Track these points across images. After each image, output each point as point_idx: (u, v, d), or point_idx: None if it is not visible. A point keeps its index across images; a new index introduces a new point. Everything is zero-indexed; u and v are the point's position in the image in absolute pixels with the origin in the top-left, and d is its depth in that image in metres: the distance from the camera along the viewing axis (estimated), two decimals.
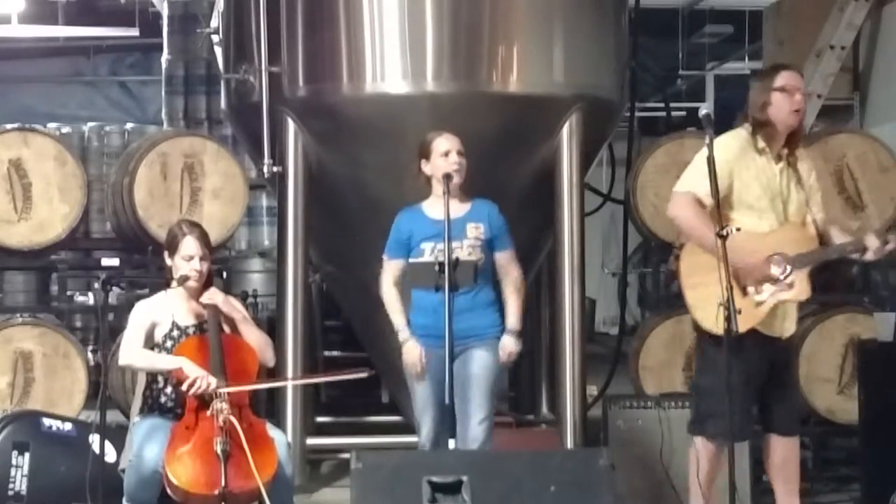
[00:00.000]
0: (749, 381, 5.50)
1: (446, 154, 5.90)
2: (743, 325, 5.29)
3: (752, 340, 5.42)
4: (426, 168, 5.95)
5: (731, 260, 5.25)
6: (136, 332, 5.54)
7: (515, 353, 5.97)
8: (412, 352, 5.87)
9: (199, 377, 5.34)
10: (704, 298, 5.45)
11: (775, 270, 5.51)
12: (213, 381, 5.34)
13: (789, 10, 11.22)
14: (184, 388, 5.36)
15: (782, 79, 5.61)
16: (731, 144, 5.61)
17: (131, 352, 5.50)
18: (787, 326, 5.66)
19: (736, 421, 5.38)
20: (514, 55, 7.29)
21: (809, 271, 5.57)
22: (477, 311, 5.86)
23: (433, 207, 5.91)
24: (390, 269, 5.99)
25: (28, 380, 7.55)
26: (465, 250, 5.83)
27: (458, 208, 5.86)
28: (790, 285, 5.49)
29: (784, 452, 5.75)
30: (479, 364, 5.86)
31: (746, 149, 5.61)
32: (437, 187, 5.88)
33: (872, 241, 5.55)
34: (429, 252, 5.84)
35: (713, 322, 5.35)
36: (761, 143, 5.61)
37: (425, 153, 5.96)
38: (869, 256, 5.60)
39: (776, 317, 5.59)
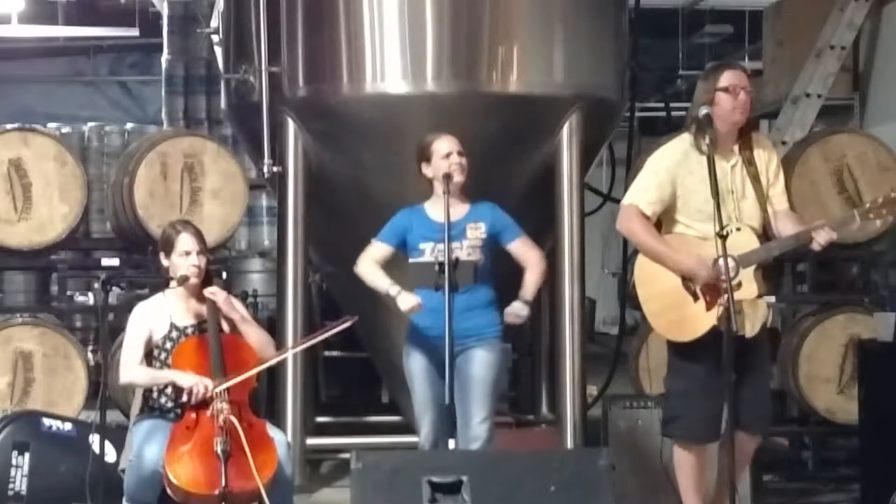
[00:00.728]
0: (711, 383, 5.45)
1: (447, 156, 5.91)
2: (696, 331, 5.44)
3: (711, 342, 5.40)
4: (427, 170, 5.96)
5: (674, 268, 5.45)
6: (133, 347, 5.53)
7: (522, 317, 5.95)
8: (408, 299, 5.80)
9: (193, 385, 5.34)
10: (658, 309, 5.57)
11: (722, 273, 5.39)
12: (210, 383, 5.34)
13: (789, 10, 11.23)
14: (183, 399, 5.37)
15: (726, 79, 5.55)
16: (671, 154, 5.61)
17: (130, 370, 5.51)
18: (748, 326, 5.56)
19: (698, 422, 5.53)
20: (514, 55, 7.29)
21: (756, 269, 5.52)
22: (476, 310, 5.87)
23: (434, 208, 5.92)
24: (372, 250, 5.96)
25: (28, 380, 7.55)
26: (465, 251, 5.83)
27: (459, 210, 5.87)
28: (739, 285, 5.41)
29: (748, 449, 5.74)
30: (479, 364, 5.87)
31: (689, 153, 5.56)
32: (439, 188, 5.89)
33: (823, 236, 5.46)
34: (428, 252, 5.84)
35: (669, 331, 5.57)
36: (705, 146, 5.44)
37: (425, 156, 5.96)
38: (814, 247, 5.51)
39: (739, 313, 5.44)
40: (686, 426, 5.60)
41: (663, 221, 5.64)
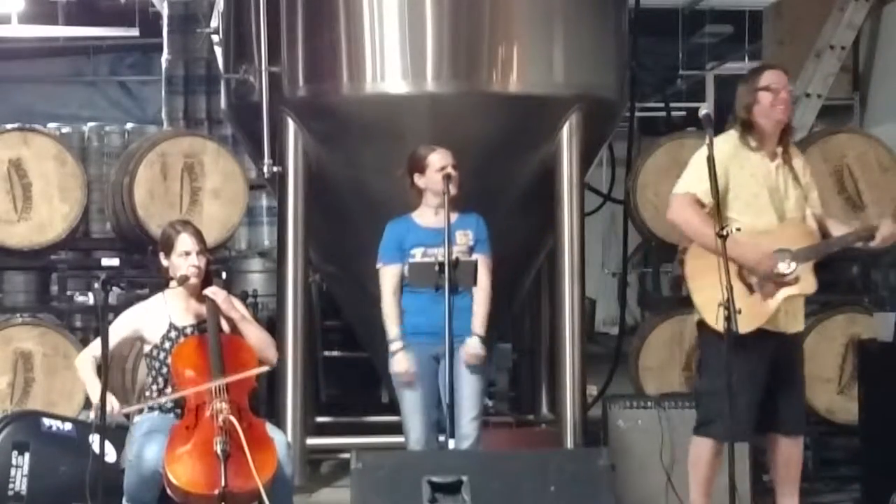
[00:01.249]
0: (752, 380, 5.51)
1: (442, 169, 5.98)
2: (750, 324, 5.36)
3: (754, 338, 5.43)
4: (420, 181, 6.07)
5: (735, 259, 5.32)
6: (101, 341, 5.53)
7: (481, 356, 5.99)
8: (402, 362, 5.97)
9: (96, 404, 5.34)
10: (712, 299, 5.41)
11: (780, 266, 5.53)
12: (116, 406, 5.39)
13: (789, 10, 11.23)
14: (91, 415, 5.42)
15: (766, 78, 5.66)
16: (722, 147, 5.61)
17: (83, 359, 5.56)
18: (792, 323, 5.67)
19: (740, 421, 5.42)
20: (514, 55, 7.29)
21: (814, 265, 5.61)
22: (464, 312, 5.93)
23: (423, 217, 6.07)
24: (388, 276, 6.07)
25: (28, 380, 7.55)
26: (454, 256, 5.86)
27: (449, 217, 5.91)
28: (796, 279, 5.52)
29: (787, 452, 5.76)
30: (467, 364, 5.93)
31: (740, 148, 5.66)
32: (430, 199, 6.02)
33: (888, 227, 5.56)
34: (419, 256, 5.93)
35: (722, 324, 5.34)
36: (753, 142, 5.67)
37: (419, 167, 6.07)
38: (875, 243, 5.60)
39: (779, 312, 5.61)
40: (728, 427, 5.42)
41: (711, 216, 5.56)
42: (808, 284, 5.59)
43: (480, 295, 6.03)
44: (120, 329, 5.60)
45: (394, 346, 6.01)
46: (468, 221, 6.07)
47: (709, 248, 5.44)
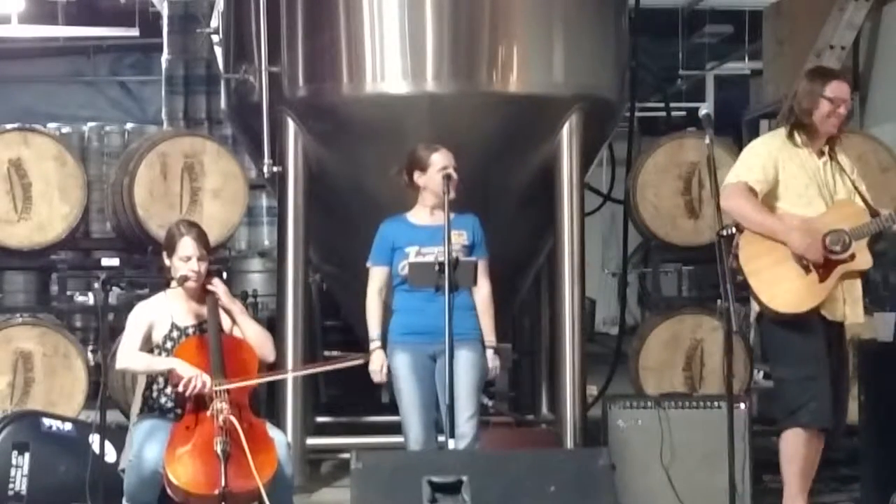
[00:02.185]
0: (819, 362, 5.62)
1: (444, 169, 5.98)
2: (805, 304, 5.56)
3: (812, 321, 5.60)
4: (420, 180, 6.06)
5: (786, 244, 5.55)
6: (133, 335, 5.55)
7: (498, 366, 6.16)
8: (376, 361, 6.04)
9: (192, 377, 5.34)
10: (769, 280, 5.63)
11: (835, 246, 5.64)
12: (208, 380, 5.34)
13: (789, 10, 11.24)
14: (179, 388, 5.37)
15: (832, 90, 5.77)
16: (771, 141, 5.83)
17: (128, 355, 5.52)
18: (849, 312, 5.74)
19: (825, 406, 5.57)
20: (514, 55, 7.29)
21: (868, 242, 5.74)
22: (459, 312, 5.87)
23: (418, 217, 6.08)
24: (375, 277, 6.12)
25: (28, 380, 7.55)
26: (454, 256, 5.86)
27: (442, 217, 5.90)
28: (852, 257, 5.64)
29: (819, 448, 5.75)
30: (464, 364, 5.93)
31: (787, 143, 5.79)
32: (428, 198, 6.02)
33: None
34: (413, 255, 5.96)
35: (782, 301, 5.61)
36: (800, 140, 5.79)
37: (421, 166, 6.06)
38: None
39: (837, 300, 5.69)
40: (816, 412, 5.60)
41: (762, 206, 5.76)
42: (864, 261, 5.71)
43: (483, 302, 6.07)
44: (139, 325, 5.58)
45: (372, 346, 6.07)
46: (463, 222, 6.06)
47: (764, 232, 5.64)
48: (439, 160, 6.02)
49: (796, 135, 5.78)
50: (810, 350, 5.59)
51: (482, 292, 6.07)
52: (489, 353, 6.07)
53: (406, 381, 5.97)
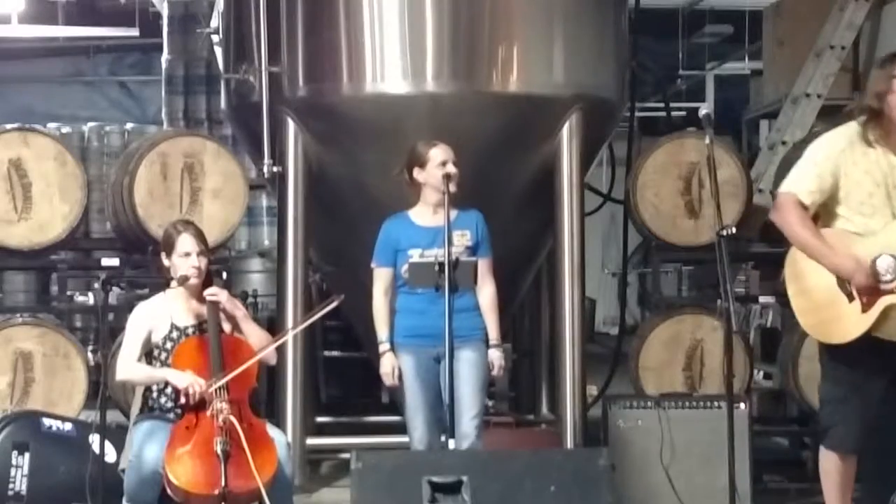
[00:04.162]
0: (859, 392, 5.29)
1: (444, 164, 5.95)
2: (848, 334, 5.16)
3: (860, 348, 5.18)
4: (420, 176, 6.01)
5: (830, 269, 5.16)
6: (132, 344, 5.55)
7: (503, 365, 6.08)
8: (387, 364, 5.97)
9: (187, 385, 5.34)
10: (810, 306, 5.28)
11: (887, 274, 5.15)
12: (203, 382, 5.34)
13: (789, 10, 11.23)
14: (182, 401, 5.38)
15: None
16: (838, 140, 5.33)
17: (128, 367, 5.53)
18: None
19: (852, 431, 5.30)
20: (514, 55, 7.29)
21: None
22: (462, 313, 5.89)
23: (420, 216, 6.02)
24: (381, 278, 6.07)
25: (28, 380, 7.54)
26: (454, 256, 5.85)
27: (448, 216, 5.89)
28: None
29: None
30: (467, 364, 5.92)
31: (855, 143, 5.28)
32: (429, 195, 5.97)
33: None
34: (417, 258, 5.90)
35: (821, 331, 5.28)
36: (874, 136, 5.28)
37: (420, 162, 6.01)
38: None
39: (891, 320, 5.18)
40: (841, 437, 5.33)
41: (822, 214, 5.34)
42: None
43: (488, 301, 6.03)
44: (138, 335, 5.58)
45: (381, 348, 6.02)
46: (467, 221, 6.02)
47: (808, 255, 5.24)
48: (438, 155, 5.97)
49: (869, 131, 5.24)
50: (847, 373, 5.23)
51: (487, 291, 6.04)
52: (495, 352, 6.02)
53: (410, 384, 5.94)
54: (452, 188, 5.92)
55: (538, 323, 8.62)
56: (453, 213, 5.95)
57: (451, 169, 5.94)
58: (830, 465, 5.47)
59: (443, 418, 5.87)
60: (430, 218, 5.98)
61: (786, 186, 5.39)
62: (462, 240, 5.96)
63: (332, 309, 5.72)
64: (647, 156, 8.13)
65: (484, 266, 6.01)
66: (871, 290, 5.14)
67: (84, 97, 18.34)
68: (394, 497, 5.16)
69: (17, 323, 7.66)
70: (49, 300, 8.22)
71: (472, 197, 6.17)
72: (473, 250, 5.99)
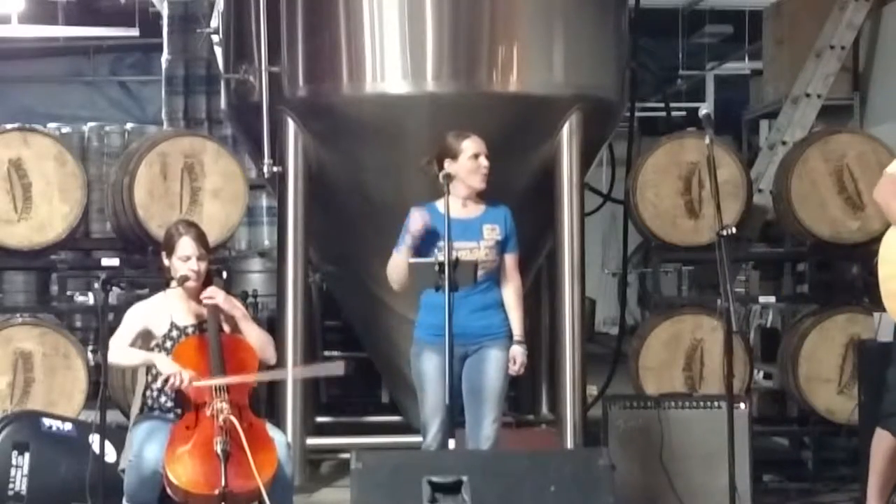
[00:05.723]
0: None
1: (476, 156, 5.85)
2: None
3: None
4: (451, 168, 5.83)
5: None
6: (127, 330, 5.55)
7: (525, 361, 5.93)
8: (418, 215, 5.74)
9: (172, 374, 5.34)
10: (892, 292, 5.30)
11: None
12: (187, 377, 5.33)
13: (789, 10, 11.24)
14: (159, 383, 5.38)
15: None
16: None
17: (115, 351, 5.51)
18: None
19: None
20: (514, 55, 7.29)
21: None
22: (490, 310, 5.84)
23: (451, 209, 5.72)
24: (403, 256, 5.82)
25: (28, 380, 7.55)
26: (483, 251, 5.78)
27: (474, 209, 5.86)
28: None
29: None
30: (495, 365, 5.84)
31: None
32: (460, 188, 5.82)
33: None
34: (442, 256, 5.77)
35: None
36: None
37: (452, 153, 5.85)
38: None
39: None
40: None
41: None
42: None
43: (514, 296, 5.92)
44: (133, 325, 5.58)
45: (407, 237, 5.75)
46: (497, 215, 5.90)
47: None
48: (470, 147, 5.84)
49: None
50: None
51: (512, 286, 5.92)
52: (518, 347, 5.87)
53: (432, 383, 5.79)
54: (483, 183, 5.84)
55: (538, 323, 8.62)
56: (482, 207, 5.88)
57: (483, 162, 5.84)
58: (879, 446, 5.48)
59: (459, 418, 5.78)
60: (461, 210, 5.81)
61: (892, 167, 5.48)
62: (492, 234, 5.85)
63: (334, 369, 5.73)
64: (647, 156, 8.13)
65: (511, 261, 5.93)
66: None
67: (84, 97, 18.34)
68: (394, 497, 5.16)
69: (17, 323, 7.66)
70: (49, 300, 8.22)
71: (484, 197, 6.15)
72: (503, 245, 5.90)
